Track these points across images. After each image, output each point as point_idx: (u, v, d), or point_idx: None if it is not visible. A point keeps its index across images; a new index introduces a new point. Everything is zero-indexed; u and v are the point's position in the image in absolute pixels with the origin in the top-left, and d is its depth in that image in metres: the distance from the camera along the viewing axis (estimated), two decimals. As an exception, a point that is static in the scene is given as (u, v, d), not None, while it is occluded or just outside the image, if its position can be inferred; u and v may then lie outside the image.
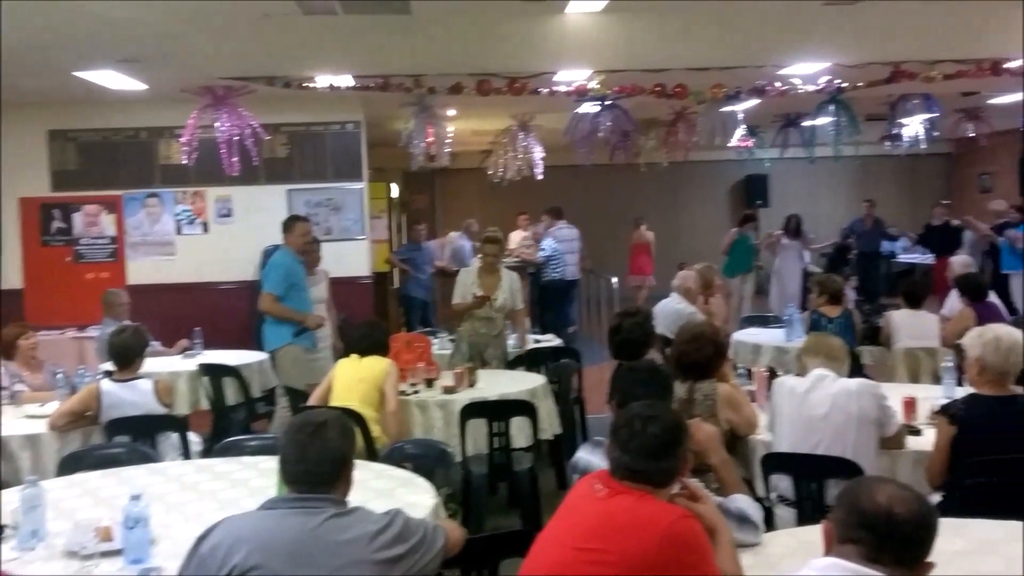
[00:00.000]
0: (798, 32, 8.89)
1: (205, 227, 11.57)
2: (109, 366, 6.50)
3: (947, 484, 4.61)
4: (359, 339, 6.61)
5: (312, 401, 6.55)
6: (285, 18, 7.62)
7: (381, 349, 6.55)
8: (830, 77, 9.96)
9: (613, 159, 12.46)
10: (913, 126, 12.54)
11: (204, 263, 11.48)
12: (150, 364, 6.98)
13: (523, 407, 6.30)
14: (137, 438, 5.67)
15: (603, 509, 2.98)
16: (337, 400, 6.30)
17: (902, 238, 17.16)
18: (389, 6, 7.71)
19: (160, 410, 6.06)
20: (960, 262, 9.61)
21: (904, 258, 17.32)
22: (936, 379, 7.26)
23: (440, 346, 8.62)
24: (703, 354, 5.01)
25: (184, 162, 9.67)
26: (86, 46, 7.94)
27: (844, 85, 10.05)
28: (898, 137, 12.99)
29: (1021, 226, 13.32)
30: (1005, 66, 9.50)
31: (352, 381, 6.34)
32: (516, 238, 15.47)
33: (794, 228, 14.96)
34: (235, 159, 9.45)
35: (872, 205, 16.69)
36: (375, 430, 6.13)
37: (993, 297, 8.38)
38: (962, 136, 14.80)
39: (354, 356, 6.51)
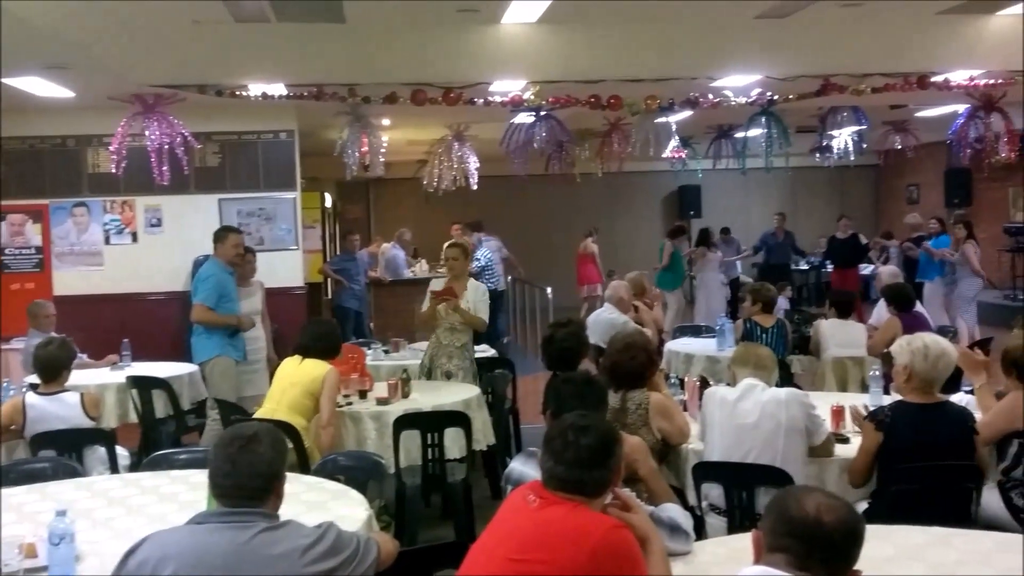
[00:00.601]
0: (730, 45, 9.01)
1: (134, 237, 11.39)
2: (34, 379, 6.38)
3: (874, 491, 4.68)
4: (308, 339, 6.43)
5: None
6: (217, 25, 7.57)
7: (327, 354, 6.38)
8: (761, 90, 10.10)
9: (548, 170, 12.53)
10: (842, 138, 12.75)
11: (133, 273, 11.30)
12: (77, 377, 6.86)
13: (457, 418, 6.27)
14: (63, 452, 5.57)
15: (536, 520, 2.97)
16: (268, 401, 6.26)
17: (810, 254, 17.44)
18: (323, 14, 7.70)
19: (87, 424, 5.95)
20: (888, 272, 9.77)
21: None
22: (864, 388, 7.37)
23: (374, 357, 8.57)
24: (636, 363, 5.05)
25: (113, 171, 9.54)
26: (11, 52, 7.79)
27: (775, 98, 10.19)
28: (828, 149, 13.22)
29: (942, 238, 13.58)
30: (932, 80, 9.70)
31: (286, 384, 6.22)
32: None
33: (706, 241, 15.19)
34: (165, 168, 9.34)
35: (783, 218, 16.94)
36: (307, 441, 6.06)
37: (919, 307, 8.52)
38: (890, 148, 15.07)
39: (296, 357, 6.38)
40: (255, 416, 6.04)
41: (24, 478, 4.93)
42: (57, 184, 11.26)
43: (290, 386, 6.19)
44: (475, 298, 7.74)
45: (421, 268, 14.92)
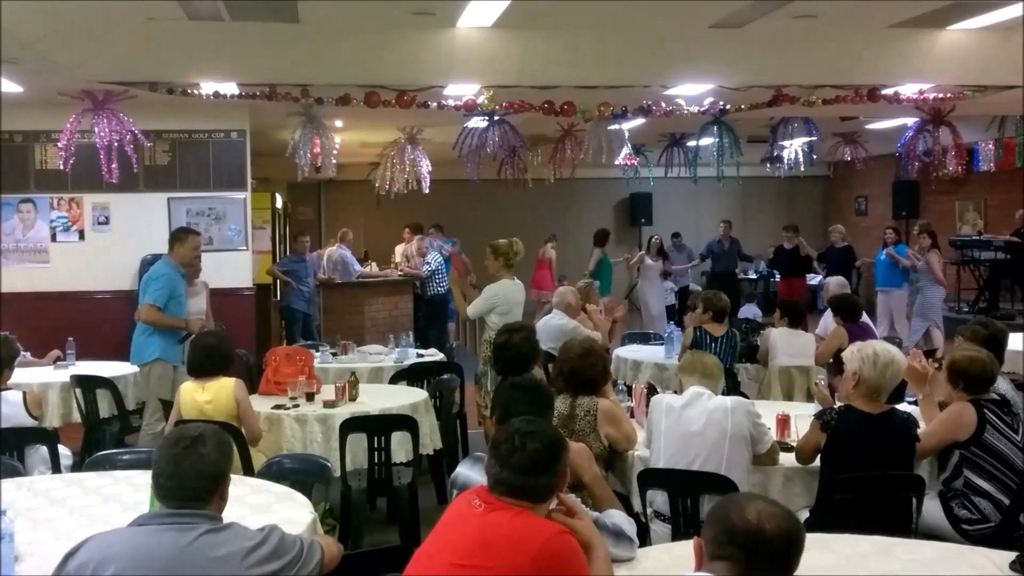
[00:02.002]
0: (684, 54, 9.08)
1: (81, 235, 11.25)
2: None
3: (816, 499, 4.74)
4: (200, 358, 6.04)
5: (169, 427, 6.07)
6: (170, 22, 7.51)
7: (222, 369, 6.05)
8: (714, 99, 10.18)
9: (501, 175, 12.55)
10: (793, 149, 12.88)
11: (79, 271, 11.16)
12: (20, 375, 6.77)
13: (404, 422, 6.26)
14: (4, 451, 5.48)
15: (480, 524, 2.98)
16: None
17: (757, 260, 17.58)
18: (277, 14, 7.66)
19: (29, 422, 5.89)
20: (836, 283, 9.85)
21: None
22: (809, 397, 7.45)
23: (322, 359, 8.54)
24: (596, 370, 5.11)
25: (61, 167, 9.43)
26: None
27: (727, 107, 10.28)
28: (778, 159, 13.33)
29: (900, 246, 13.76)
30: (882, 93, 9.83)
31: (199, 416, 5.73)
32: (400, 251, 15.42)
33: (656, 249, 15.29)
34: (114, 165, 9.27)
35: (729, 226, 17.05)
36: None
37: (865, 318, 8.62)
38: (839, 160, 15.24)
39: (195, 385, 5.99)
40: None
41: (-37, 477, 4.87)
42: (3, 179, 11.07)
43: (206, 417, 5.67)
44: (483, 294, 8.10)
45: (372, 270, 14.86)
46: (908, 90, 10.05)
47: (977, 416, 4.90)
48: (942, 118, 11.31)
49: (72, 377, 7.80)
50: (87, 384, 7.71)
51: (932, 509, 4.87)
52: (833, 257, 15.02)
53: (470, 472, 3.84)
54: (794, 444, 5.25)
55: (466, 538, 2.98)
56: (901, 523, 4.44)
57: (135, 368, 8.14)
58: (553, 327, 8.22)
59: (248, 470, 5.51)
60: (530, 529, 2.94)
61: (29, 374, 7.78)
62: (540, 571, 2.85)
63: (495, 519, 2.97)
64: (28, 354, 8.41)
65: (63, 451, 6.05)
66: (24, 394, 5.97)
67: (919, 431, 4.85)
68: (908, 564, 3.61)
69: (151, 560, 2.89)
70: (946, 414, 5.04)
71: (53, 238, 11.20)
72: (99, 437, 7.55)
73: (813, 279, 16.92)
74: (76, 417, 7.77)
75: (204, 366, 6.01)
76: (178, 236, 8.20)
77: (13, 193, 11.12)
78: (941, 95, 10.33)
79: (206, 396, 5.93)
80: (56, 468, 5.69)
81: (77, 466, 6.03)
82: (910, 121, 11.96)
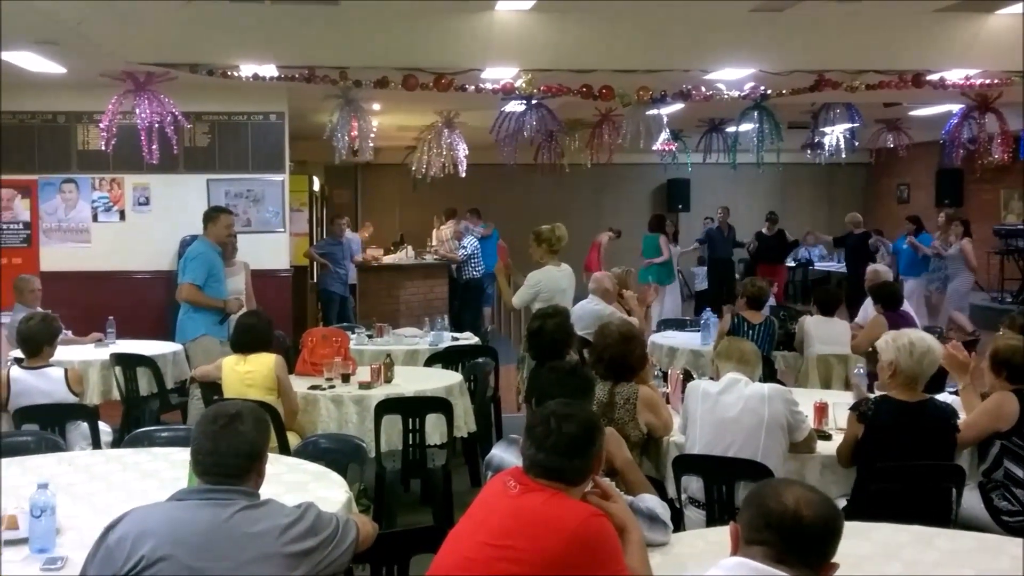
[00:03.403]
0: (725, 38, 9.00)
1: (122, 215, 11.35)
2: (19, 353, 6.36)
3: (854, 488, 4.70)
4: (243, 336, 6.27)
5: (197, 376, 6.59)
6: (210, 4, 7.53)
7: (264, 346, 6.24)
8: (755, 84, 10.08)
9: (537, 159, 12.52)
10: (834, 135, 12.76)
11: (120, 251, 11.27)
12: (63, 352, 6.84)
13: (439, 404, 6.28)
14: (46, 426, 5.56)
15: (514, 506, 2.98)
16: None
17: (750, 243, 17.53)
18: (316, -3, 7.66)
19: (70, 399, 5.95)
20: (880, 270, 9.73)
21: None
22: (848, 386, 7.39)
23: (357, 341, 8.57)
24: (635, 356, 5.10)
25: (102, 148, 9.51)
26: (4, 26, 7.74)
27: (768, 92, 10.18)
28: (819, 146, 13.21)
29: (924, 235, 13.65)
30: (927, 78, 9.69)
31: (241, 388, 6.05)
32: (437, 236, 15.45)
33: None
34: (154, 147, 9.31)
35: (727, 212, 16.99)
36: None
37: (906, 306, 8.53)
38: (882, 147, 15.07)
39: (237, 357, 6.22)
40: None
41: (7, 451, 4.92)
42: (46, 160, 11.21)
43: (247, 388, 6.04)
44: (526, 282, 8.10)
45: (407, 254, 14.89)
46: (954, 76, 9.86)
47: (1019, 406, 4.84)
48: (988, 104, 11.10)
49: (112, 355, 7.88)
50: (127, 362, 7.79)
51: (972, 500, 4.82)
52: (851, 244, 14.95)
53: (505, 454, 3.83)
54: (831, 432, 5.23)
55: (500, 519, 2.98)
56: (940, 514, 4.39)
57: (174, 347, 8.24)
58: (589, 312, 8.19)
59: (284, 449, 5.56)
60: (564, 511, 2.93)
61: (70, 352, 7.85)
62: (575, 553, 2.84)
63: (529, 501, 2.97)
64: (70, 332, 8.50)
65: (103, 428, 6.12)
66: (66, 371, 6.03)
67: (959, 421, 4.80)
68: (946, 555, 3.57)
69: (189, 535, 2.91)
70: (988, 404, 4.98)
71: (95, 218, 11.31)
72: (138, 415, 7.62)
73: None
74: (116, 395, 7.84)
75: (246, 343, 6.19)
76: (210, 215, 8.30)
77: (56, 173, 11.24)
78: (988, 81, 10.14)
79: (247, 367, 6.10)
80: (96, 444, 5.76)
81: (116, 443, 6.09)
82: (955, 108, 11.77)
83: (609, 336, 5.21)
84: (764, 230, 15.95)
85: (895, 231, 16.20)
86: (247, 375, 6.09)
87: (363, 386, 6.59)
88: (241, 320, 6.53)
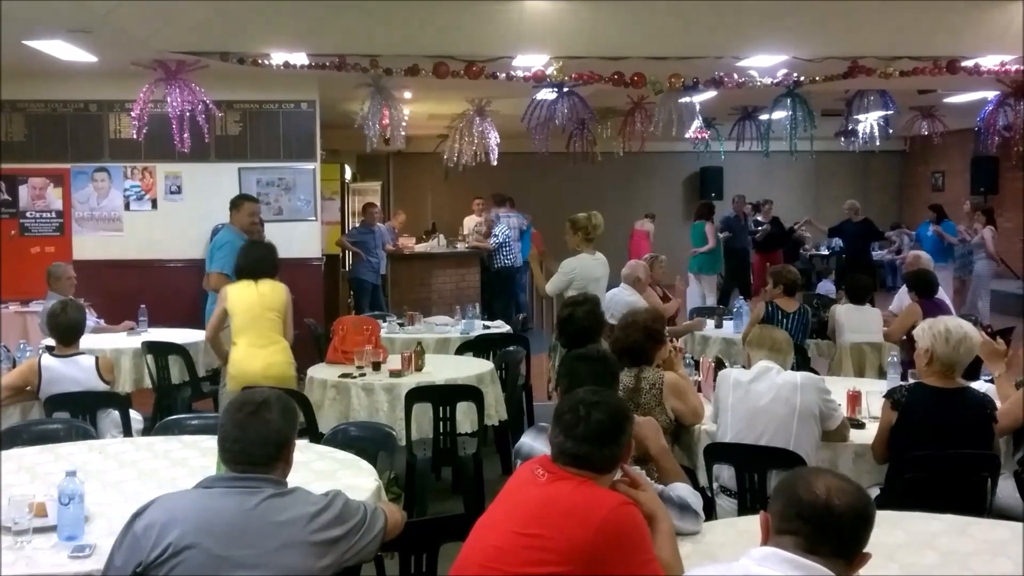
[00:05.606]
0: (757, 24, 8.90)
1: (154, 203, 11.39)
2: (51, 341, 6.40)
3: (886, 477, 4.65)
4: (251, 263, 6.70)
5: (209, 331, 6.82)
6: (241, -7, 7.52)
7: (272, 273, 6.72)
8: (787, 71, 9.98)
9: (569, 147, 12.47)
10: (868, 123, 12.64)
11: (152, 240, 11.31)
12: (95, 340, 6.88)
13: (469, 392, 6.27)
14: (77, 414, 5.59)
15: (543, 494, 2.95)
16: (250, 331, 6.51)
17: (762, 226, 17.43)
18: (346, -16, 7.64)
19: (101, 387, 5.97)
20: (921, 256, 9.62)
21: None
22: (882, 374, 7.32)
23: (389, 329, 8.57)
24: (631, 340, 5.10)
25: (134, 137, 9.54)
26: (36, 14, 7.78)
27: (801, 79, 10.08)
28: (853, 133, 13.09)
29: (947, 223, 13.55)
30: (962, 65, 9.56)
31: (259, 309, 6.54)
32: (469, 224, 15.43)
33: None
34: (186, 135, 9.34)
35: (743, 201, 16.84)
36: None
37: (941, 294, 8.44)
38: (916, 134, 14.93)
39: (247, 282, 6.62)
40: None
41: (37, 439, 4.97)
42: (79, 149, 11.26)
43: (264, 310, 6.55)
44: (560, 269, 8.07)
45: (440, 243, 14.90)
46: (989, 62, 9.73)
47: (1055, 396, 4.77)
48: (1024, 91, 10.99)
49: (143, 344, 7.91)
50: (158, 350, 7.82)
51: (1007, 489, 4.76)
52: (849, 231, 14.82)
53: (534, 442, 3.82)
54: (864, 420, 5.18)
55: (528, 507, 2.96)
56: (975, 503, 4.33)
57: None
58: (620, 302, 8.15)
59: (314, 435, 5.57)
60: (593, 500, 2.91)
61: (102, 340, 7.90)
62: (604, 541, 2.82)
63: (558, 489, 2.95)
64: (102, 320, 8.55)
65: (134, 415, 6.15)
66: (96, 359, 6.05)
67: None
68: (981, 544, 3.52)
69: (216, 522, 2.91)
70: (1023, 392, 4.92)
71: (126, 207, 11.35)
72: (169, 403, 7.65)
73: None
74: (147, 383, 7.87)
75: (256, 270, 6.64)
76: (235, 203, 8.32)
77: (88, 162, 11.29)
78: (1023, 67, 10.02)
79: (261, 288, 6.54)
80: (127, 432, 5.78)
81: (147, 431, 6.12)
82: (990, 94, 11.63)
83: (618, 323, 5.27)
84: (759, 217, 15.93)
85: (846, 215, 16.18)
86: (264, 297, 6.56)
87: (394, 374, 6.59)
88: (249, 248, 6.96)
